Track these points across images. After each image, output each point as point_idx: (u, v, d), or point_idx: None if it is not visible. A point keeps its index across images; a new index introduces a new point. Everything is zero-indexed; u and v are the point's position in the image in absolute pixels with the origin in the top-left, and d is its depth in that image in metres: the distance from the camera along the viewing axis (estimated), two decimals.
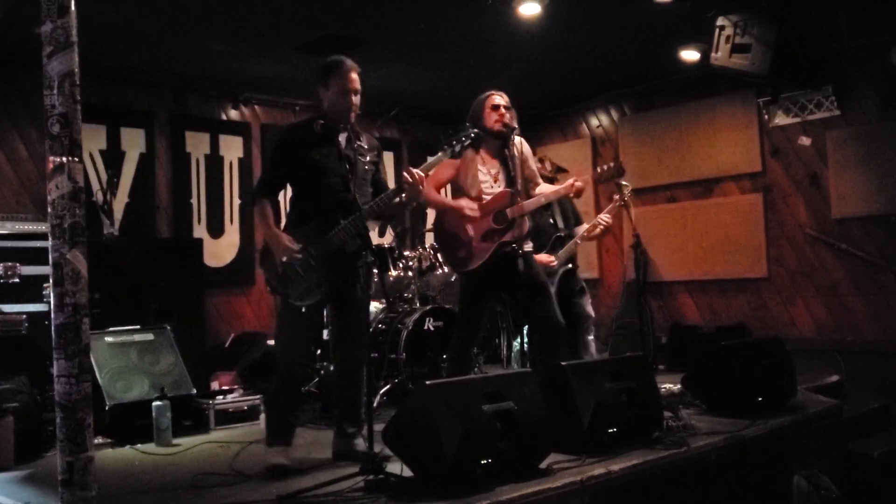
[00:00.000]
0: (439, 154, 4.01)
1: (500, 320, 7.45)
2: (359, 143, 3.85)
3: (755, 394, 4.51)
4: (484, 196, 4.40)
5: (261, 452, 3.87)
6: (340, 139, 3.81)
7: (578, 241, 5.26)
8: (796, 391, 4.91)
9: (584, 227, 5.34)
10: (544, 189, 4.58)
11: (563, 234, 5.30)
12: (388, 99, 8.12)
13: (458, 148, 4.02)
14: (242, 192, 7.38)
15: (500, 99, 4.42)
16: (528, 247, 4.46)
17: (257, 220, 3.84)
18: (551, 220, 5.35)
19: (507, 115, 4.38)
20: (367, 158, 3.88)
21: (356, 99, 3.77)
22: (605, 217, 5.27)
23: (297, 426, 3.91)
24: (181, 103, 7.13)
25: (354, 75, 3.78)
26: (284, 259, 3.66)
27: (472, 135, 4.01)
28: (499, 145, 4.45)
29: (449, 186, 4.67)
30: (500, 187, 4.41)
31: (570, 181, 4.68)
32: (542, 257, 5.09)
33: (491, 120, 4.38)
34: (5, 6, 4.90)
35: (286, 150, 3.81)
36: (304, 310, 3.68)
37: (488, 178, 4.42)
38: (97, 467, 2.75)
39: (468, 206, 4.35)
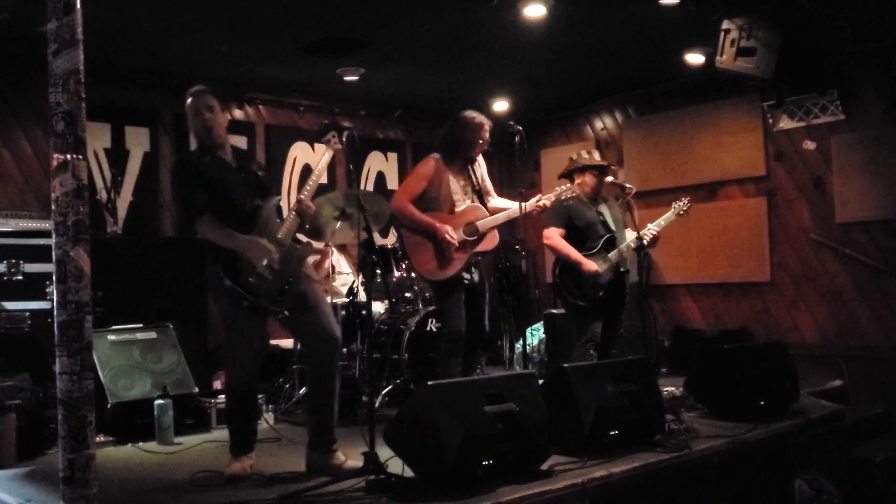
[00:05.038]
0: (326, 153, 3.94)
1: (502, 322, 7.46)
2: (239, 157, 3.91)
3: (757, 398, 4.52)
4: (455, 209, 4.73)
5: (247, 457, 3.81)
6: (224, 157, 3.85)
7: (633, 245, 5.20)
8: (799, 395, 4.91)
9: (632, 233, 5.30)
10: (511, 206, 4.81)
11: (614, 236, 5.31)
12: (391, 100, 8.13)
13: (343, 140, 3.94)
14: None
15: (489, 128, 4.76)
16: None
17: (216, 237, 3.71)
18: (601, 222, 5.35)
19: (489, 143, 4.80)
20: (255, 167, 3.96)
21: (210, 116, 3.78)
22: (653, 227, 5.33)
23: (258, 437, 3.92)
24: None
25: (203, 97, 3.80)
26: (265, 262, 3.61)
27: (347, 127, 3.95)
28: (466, 162, 4.81)
29: None
30: (467, 200, 4.76)
31: (535, 199, 4.87)
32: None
33: (478, 146, 4.74)
34: (11, 5, 4.91)
35: (192, 173, 3.75)
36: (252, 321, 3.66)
37: (458, 191, 4.75)
38: (98, 465, 2.75)
39: (449, 232, 4.56)
